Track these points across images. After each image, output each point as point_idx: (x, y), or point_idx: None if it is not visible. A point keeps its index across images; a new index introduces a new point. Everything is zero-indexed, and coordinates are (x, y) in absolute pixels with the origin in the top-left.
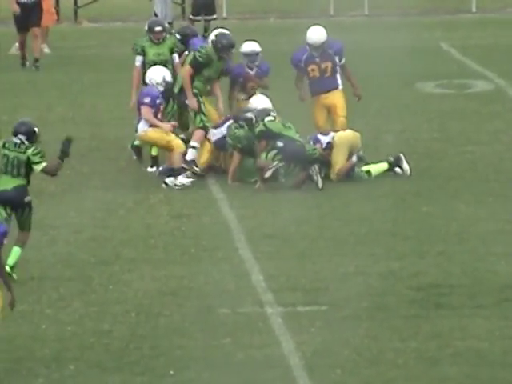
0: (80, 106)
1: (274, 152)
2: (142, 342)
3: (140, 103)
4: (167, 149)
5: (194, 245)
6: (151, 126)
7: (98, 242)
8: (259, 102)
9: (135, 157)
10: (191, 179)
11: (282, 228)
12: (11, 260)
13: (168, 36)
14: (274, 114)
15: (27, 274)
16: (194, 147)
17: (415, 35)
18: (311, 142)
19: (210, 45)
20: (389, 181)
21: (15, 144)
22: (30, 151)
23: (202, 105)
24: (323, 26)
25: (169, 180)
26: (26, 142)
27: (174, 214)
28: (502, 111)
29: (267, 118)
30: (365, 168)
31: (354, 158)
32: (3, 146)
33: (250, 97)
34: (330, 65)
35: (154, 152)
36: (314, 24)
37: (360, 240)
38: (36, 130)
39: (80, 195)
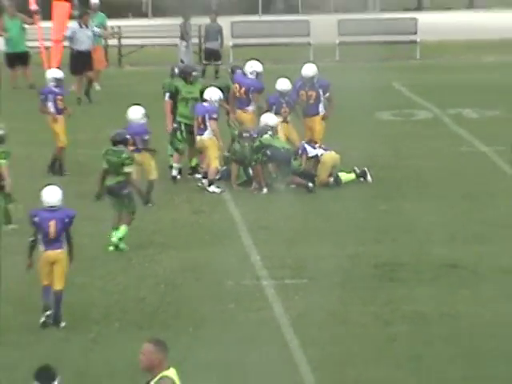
0: (120, 127)
1: (265, 159)
2: (168, 306)
3: (209, 118)
4: (208, 157)
5: (208, 234)
6: (214, 134)
7: (137, 231)
8: (267, 118)
9: (205, 180)
10: (221, 189)
11: (275, 221)
12: (120, 234)
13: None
14: (270, 133)
15: (83, 255)
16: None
17: (374, 77)
18: (299, 151)
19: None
20: (355, 186)
21: (114, 151)
22: (124, 155)
23: (178, 131)
24: (314, 64)
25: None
26: (121, 146)
27: (194, 210)
28: (439, 134)
29: (264, 136)
30: (338, 174)
31: (331, 179)
32: (106, 153)
33: (284, 119)
34: (314, 94)
35: (193, 163)
36: (307, 63)
37: (333, 230)
38: (128, 136)
39: None
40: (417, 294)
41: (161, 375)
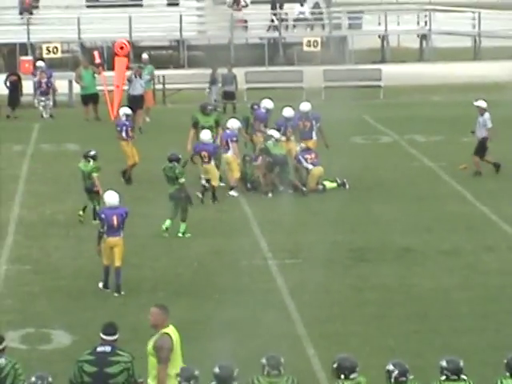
0: (164, 148)
1: (270, 165)
2: (199, 279)
3: (230, 141)
4: (230, 170)
5: (228, 226)
6: (234, 153)
7: (175, 225)
8: (272, 132)
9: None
10: (238, 193)
11: (278, 216)
12: (181, 229)
13: (214, 112)
14: (274, 140)
15: (136, 242)
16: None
17: (350, 112)
18: (296, 161)
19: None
20: (336, 192)
21: (170, 168)
22: (177, 171)
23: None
24: (309, 102)
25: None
26: (175, 163)
27: (217, 209)
28: (397, 153)
29: (268, 142)
30: (324, 182)
31: (320, 187)
32: (164, 169)
33: (287, 138)
34: (309, 124)
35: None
36: (303, 101)
37: (320, 223)
38: (180, 156)
39: (167, 200)
40: (381, 270)
41: (161, 332)
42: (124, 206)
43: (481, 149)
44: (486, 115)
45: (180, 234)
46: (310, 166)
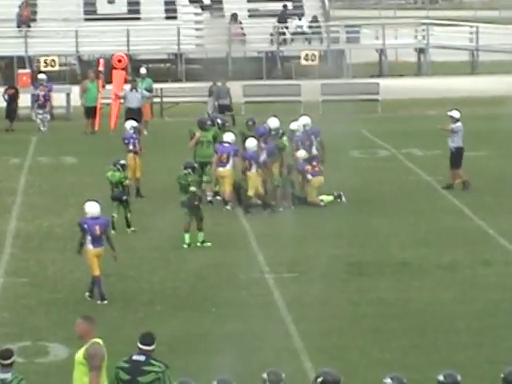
0: (162, 161)
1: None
2: (197, 292)
3: (233, 155)
4: (227, 184)
5: (226, 240)
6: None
7: (174, 238)
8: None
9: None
10: (231, 206)
11: (275, 230)
12: (199, 238)
13: (212, 127)
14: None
15: (134, 255)
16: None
17: (347, 125)
18: (298, 170)
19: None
20: (333, 205)
21: (184, 175)
22: (189, 179)
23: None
24: (308, 116)
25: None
26: (189, 170)
27: (215, 223)
28: (394, 167)
29: (282, 138)
30: (320, 197)
31: (322, 203)
32: (178, 177)
33: (293, 155)
34: (309, 139)
35: (216, 188)
36: (302, 115)
37: (317, 237)
38: (196, 165)
39: (165, 213)
40: (379, 284)
41: (92, 341)
42: (105, 217)
43: (455, 160)
44: (458, 124)
45: (199, 244)
46: (310, 177)
